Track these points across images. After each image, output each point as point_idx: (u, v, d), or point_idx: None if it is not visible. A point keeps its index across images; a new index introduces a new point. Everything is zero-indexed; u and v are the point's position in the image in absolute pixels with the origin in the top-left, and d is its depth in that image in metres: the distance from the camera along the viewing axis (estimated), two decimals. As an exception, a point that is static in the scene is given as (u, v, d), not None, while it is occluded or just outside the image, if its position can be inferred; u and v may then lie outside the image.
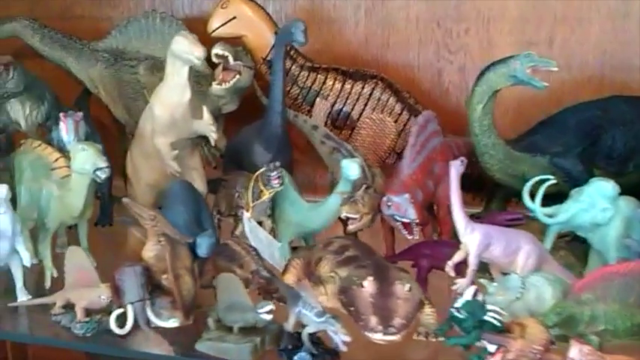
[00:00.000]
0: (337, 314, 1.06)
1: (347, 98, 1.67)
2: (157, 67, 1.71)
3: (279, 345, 1.09)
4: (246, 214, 1.36)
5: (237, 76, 1.62)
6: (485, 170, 1.39)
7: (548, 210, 1.24)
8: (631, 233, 1.22)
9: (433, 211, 1.47)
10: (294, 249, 1.40)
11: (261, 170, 1.35)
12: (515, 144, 1.41)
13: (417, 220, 1.24)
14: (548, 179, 1.25)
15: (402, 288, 1.04)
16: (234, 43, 1.68)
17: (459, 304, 1.01)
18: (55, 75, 1.84)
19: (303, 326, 1.07)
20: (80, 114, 1.45)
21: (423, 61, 1.76)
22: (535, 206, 1.24)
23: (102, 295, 1.15)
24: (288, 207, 1.40)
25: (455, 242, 1.24)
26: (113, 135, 1.83)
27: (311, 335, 1.06)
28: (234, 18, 1.68)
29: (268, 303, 1.09)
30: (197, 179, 1.50)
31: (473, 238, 1.16)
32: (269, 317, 1.08)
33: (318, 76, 1.69)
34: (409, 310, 1.02)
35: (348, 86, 1.67)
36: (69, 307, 1.20)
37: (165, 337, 1.16)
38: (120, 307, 1.15)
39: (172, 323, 1.14)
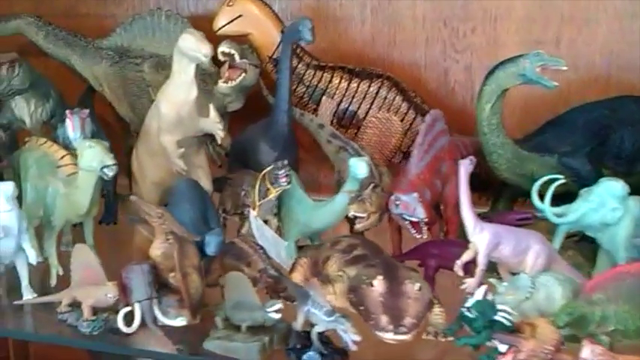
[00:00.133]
0: (346, 313, 1.06)
1: (353, 97, 1.66)
2: (162, 65, 1.70)
3: (288, 344, 1.08)
4: (253, 213, 1.36)
5: (243, 75, 1.61)
6: (493, 170, 1.38)
7: (558, 210, 1.24)
8: (640, 233, 1.22)
9: (439, 210, 1.47)
10: (300, 248, 1.40)
11: (269, 169, 1.35)
12: (524, 143, 1.40)
13: (426, 220, 1.23)
14: (557, 179, 1.25)
15: (413, 287, 1.03)
16: (240, 41, 1.68)
17: (469, 303, 1.00)
18: (58, 73, 1.84)
19: (312, 325, 1.06)
20: (86, 111, 1.44)
21: (430, 60, 1.76)
22: (545, 206, 1.23)
23: (109, 293, 1.14)
24: (295, 206, 1.39)
25: (463, 242, 1.24)
26: (117, 133, 1.82)
27: (320, 334, 1.05)
28: (240, 16, 1.68)
29: (277, 302, 1.09)
30: (203, 177, 1.49)
31: (482, 237, 1.15)
32: (277, 316, 1.07)
33: (325, 74, 1.68)
34: (420, 310, 1.01)
35: (354, 85, 1.67)
36: (75, 305, 1.19)
37: (173, 336, 1.15)
38: (127, 305, 1.14)
39: (180, 322, 1.13)
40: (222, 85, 1.62)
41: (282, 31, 1.64)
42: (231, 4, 1.69)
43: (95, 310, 1.17)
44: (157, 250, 1.15)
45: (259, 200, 1.38)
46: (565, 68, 1.31)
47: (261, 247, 1.25)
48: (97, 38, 1.81)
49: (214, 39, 1.57)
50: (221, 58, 1.60)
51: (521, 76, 1.30)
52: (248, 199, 1.42)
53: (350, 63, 1.72)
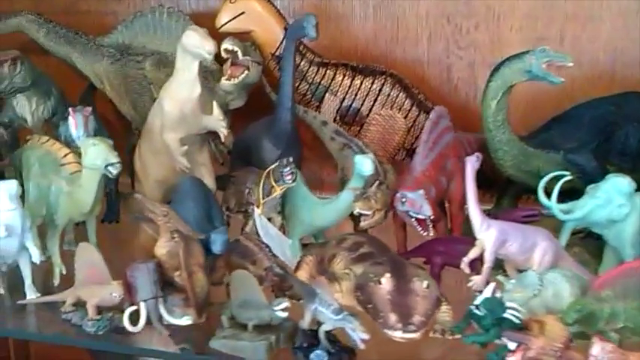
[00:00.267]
0: (353, 311, 1.05)
1: (356, 94, 1.66)
2: (164, 63, 1.69)
3: (294, 343, 1.08)
4: (257, 211, 1.35)
5: (246, 72, 1.60)
6: (499, 166, 1.38)
7: (564, 206, 1.23)
8: (647, 230, 1.21)
9: (444, 207, 1.46)
10: (304, 246, 1.39)
11: (274, 166, 1.34)
12: (529, 140, 1.39)
13: (433, 217, 1.23)
14: (563, 175, 1.24)
15: (421, 285, 1.02)
16: (243, 38, 1.67)
17: (478, 301, 1.00)
18: (59, 70, 1.82)
19: (319, 324, 1.06)
20: (89, 109, 1.43)
21: (433, 57, 1.75)
22: (551, 203, 1.22)
23: (114, 292, 1.13)
24: (299, 203, 1.38)
25: (469, 239, 1.23)
26: (118, 131, 1.81)
27: (327, 333, 1.05)
28: (242, 13, 1.66)
29: (283, 300, 1.08)
30: (206, 175, 1.48)
31: (489, 234, 1.15)
32: (284, 315, 1.06)
33: (328, 71, 1.67)
34: (428, 308, 1.00)
35: (357, 82, 1.66)
36: (79, 304, 1.19)
37: (178, 335, 1.14)
38: (132, 304, 1.13)
39: (185, 321, 1.12)
40: (224, 83, 1.61)
41: (286, 28, 1.63)
42: (233, 1, 1.67)
43: (100, 310, 1.16)
44: (162, 249, 1.14)
45: (263, 198, 1.37)
46: (571, 64, 1.30)
47: (267, 245, 1.24)
48: (98, 36, 1.80)
49: (217, 36, 1.56)
50: (224, 55, 1.59)
51: (528, 72, 1.29)
52: (252, 197, 1.41)
53: (352, 60, 1.71)
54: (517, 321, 1.00)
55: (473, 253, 1.17)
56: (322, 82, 1.68)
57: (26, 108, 1.60)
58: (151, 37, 1.76)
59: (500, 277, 1.13)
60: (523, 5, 1.69)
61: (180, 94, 1.44)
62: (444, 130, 1.42)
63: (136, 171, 1.55)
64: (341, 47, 1.79)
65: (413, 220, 1.25)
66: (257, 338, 1.07)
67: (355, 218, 1.41)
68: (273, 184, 1.35)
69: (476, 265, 1.20)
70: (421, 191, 1.24)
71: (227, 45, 1.58)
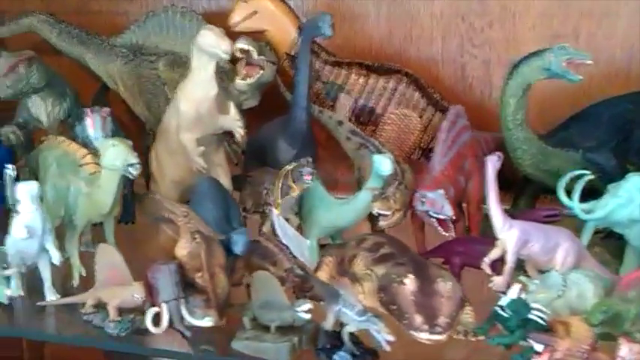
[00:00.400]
0: (376, 313, 1.04)
1: (371, 93, 1.65)
2: (177, 63, 1.69)
3: (317, 344, 1.07)
4: (275, 211, 1.34)
5: (261, 72, 1.59)
6: (517, 165, 1.37)
7: (586, 206, 1.22)
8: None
9: (461, 206, 1.46)
10: (322, 246, 1.38)
11: (292, 166, 1.33)
12: (547, 139, 1.39)
13: (455, 217, 1.22)
14: (584, 174, 1.24)
15: (445, 286, 1.02)
16: (256, 37, 1.66)
17: (502, 302, 0.99)
18: (71, 71, 1.82)
19: (342, 325, 1.05)
20: (107, 109, 1.43)
21: (447, 56, 1.74)
22: (573, 202, 1.21)
23: (135, 293, 1.13)
24: (317, 204, 1.38)
25: (488, 239, 1.22)
26: (132, 132, 1.80)
27: (351, 334, 1.04)
28: (255, 12, 1.66)
29: (306, 301, 1.07)
30: (222, 176, 1.48)
31: (511, 235, 1.14)
32: (308, 316, 1.06)
33: (342, 71, 1.66)
34: (453, 309, 1.00)
35: (372, 81, 1.65)
36: (100, 306, 1.18)
37: (199, 337, 1.13)
38: (153, 305, 1.13)
39: (207, 322, 1.11)
40: (239, 82, 1.60)
41: (300, 27, 1.63)
42: (246, 0, 1.67)
43: (120, 311, 1.16)
44: (183, 250, 1.14)
45: (281, 198, 1.36)
46: (590, 62, 1.30)
47: (287, 246, 1.23)
48: (110, 36, 1.79)
49: (230, 36, 1.55)
50: (238, 54, 1.58)
51: (547, 70, 1.28)
52: (269, 198, 1.40)
53: (366, 59, 1.70)
54: (542, 322, 0.99)
55: (494, 254, 1.16)
56: (337, 81, 1.67)
57: (42, 109, 1.60)
58: (164, 37, 1.75)
59: (522, 278, 1.12)
60: (538, 3, 1.67)
61: (196, 94, 1.43)
62: (461, 130, 1.41)
63: (152, 171, 1.55)
64: (355, 46, 1.78)
65: (433, 220, 1.24)
66: (280, 339, 1.07)
67: (372, 218, 1.41)
68: (291, 184, 1.34)
69: (496, 265, 1.20)
70: (441, 191, 1.24)
71: (241, 44, 1.57)
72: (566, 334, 0.96)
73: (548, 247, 1.15)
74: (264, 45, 1.65)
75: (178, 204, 1.24)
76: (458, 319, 1.04)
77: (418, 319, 0.98)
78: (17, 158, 1.54)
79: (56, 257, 1.23)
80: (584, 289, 1.08)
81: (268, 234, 1.34)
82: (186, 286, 1.14)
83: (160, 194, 1.46)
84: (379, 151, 1.47)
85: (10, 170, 1.24)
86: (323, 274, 1.18)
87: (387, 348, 1.01)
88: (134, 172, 1.23)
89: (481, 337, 1.05)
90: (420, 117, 1.64)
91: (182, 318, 1.12)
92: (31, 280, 1.27)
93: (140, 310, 1.15)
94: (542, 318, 0.99)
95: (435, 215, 1.24)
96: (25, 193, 1.17)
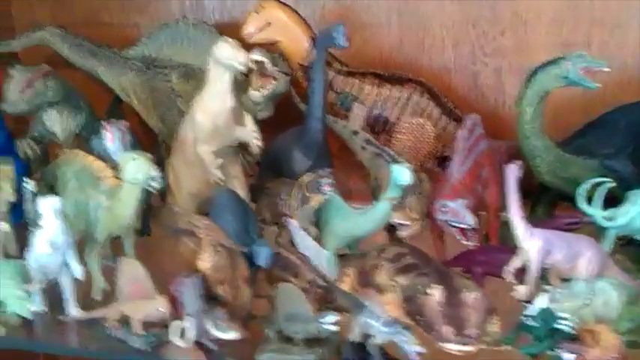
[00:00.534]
0: (401, 323, 1.04)
1: (385, 103, 1.65)
2: (191, 75, 1.69)
3: (343, 356, 1.07)
4: (294, 223, 1.34)
5: (275, 83, 1.60)
6: (536, 173, 1.37)
7: (606, 213, 1.22)
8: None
9: (478, 215, 1.46)
10: (340, 256, 1.38)
11: (310, 176, 1.34)
12: (564, 146, 1.39)
13: (476, 226, 1.22)
14: (604, 182, 1.24)
15: (471, 296, 1.02)
16: (269, 49, 1.66)
17: (531, 311, 0.99)
18: (82, 84, 1.80)
19: (368, 337, 1.05)
20: (126, 122, 1.43)
21: (459, 64, 1.74)
22: (594, 210, 1.22)
23: (160, 307, 1.13)
24: (335, 214, 1.37)
25: (509, 247, 1.23)
26: (145, 144, 1.80)
27: (377, 346, 1.04)
28: (269, 23, 1.67)
29: (331, 313, 1.07)
30: (239, 188, 1.48)
31: (534, 244, 1.14)
32: (335, 328, 1.05)
33: (355, 80, 1.67)
34: (481, 319, 1.00)
35: (385, 91, 1.65)
36: (122, 319, 1.18)
37: (222, 350, 1.13)
38: (178, 318, 1.13)
39: (231, 335, 1.11)
40: (253, 94, 1.61)
41: (313, 38, 1.63)
42: (258, 11, 1.67)
43: (145, 325, 1.15)
44: (206, 263, 1.14)
45: (298, 209, 1.36)
46: (607, 69, 1.30)
47: (307, 257, 1.23)
48: (121, 48, 1.79)
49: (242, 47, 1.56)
50: (252, 66, 1.59)
51: (564, 78, 1.29)
52: (286, 209, 1.40)
53: (377, 68, 1.70)
54: (570, 331, 0.99)
55: (517, 263, 1.16)
56: (350, 91, 1.67)
57: (57, 122, 1.60)
58: (177, 49, 1.75)
59: (548, 287, 1.12)
60: (549, 11, 1.68)
61: (212, 107, 1.44)
62: (478, 138, 1.41)
63: (169, 184, 1.53)
64: (365, 56, 1.77)
65: (455, 229, 1.24)
66: (306, 352, 1.07)
67: (390, 228, 1.41)
68: (309, 194, 1.35)
69: (518, 274, 1.20)
70: (462, 200, 1.24)
71: (255, 56, 1.58)
72: (595, 343, 0.96)
73: (571, 256, 1.15)
74: (278, 56, 1.66)
75: (199, 216, 1.24)
76: (485, 329, 1.03)
77: (448, 330, 0.98)
78: (32, 172, 1.54)
79: (79, 271, 1.22)
80: (610, 297, 1.07)
81: (285, 245, 1.34)
82: (210, 299, 1.14)
83: (176, 206, 1.46)
84: (395, 161, 1.48)
85: (30, 185, 1.24)
86: (345, 285, 1.17)
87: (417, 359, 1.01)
88: (157, 185, 1.23)
89: (509, 347, 1.04)
90: (434, 126, 1.64)
91: (206, 331, 1.12)
92: (52, 295, 1.27)
93: (163, 324, 1.14)
94: (570, 327, 0.99)
95: (456, 225, 1.24)
96: (48, 207, 1.17)
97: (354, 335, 1.05)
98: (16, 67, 1.58)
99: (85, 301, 1.30)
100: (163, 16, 1.90)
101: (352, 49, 1.78)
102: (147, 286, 1.18)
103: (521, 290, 1.15)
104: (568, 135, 1.51)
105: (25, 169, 1.51)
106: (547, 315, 0.99)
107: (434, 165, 1.67)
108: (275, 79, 1.61)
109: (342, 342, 1.08)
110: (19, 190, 1.39)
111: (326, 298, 1.18)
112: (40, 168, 1.55)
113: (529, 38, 1.70)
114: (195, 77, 1.68)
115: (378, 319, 1.02)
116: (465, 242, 1.24)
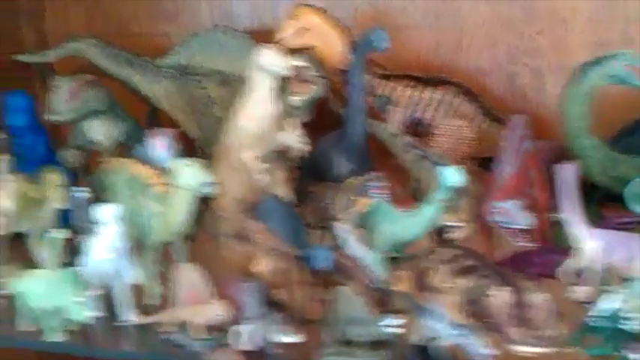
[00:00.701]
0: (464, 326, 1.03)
1: (422, 105, 1.65)
2: (226, 82, 1.70)
3: (406, 359, 1.06)
4: (342, 226, 1.34)
5: (314, 87, 1.60)
6: (586, 174, 1.35)
7: (658, 212, 1.21)
8: None
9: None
10: (389, 260, 1.37)
11: (359, 180, 1.33)
12: (613, 145, 1.38)
13: (532, 226, 1.21)
14: (655, 180, 1.23)
15: (537, 297, 1.01)
16: (305, 53, 1.66)
17: (595, 312, 0.98)
18: (115, 95, 1.83)
19: (429, 339, 1.04)
20: (173, 130, 1.44)
21: (496, 65, 1.73)
22: (645, 209, 1.20)
23: (218, 311, 1.13)
24: (382, 217, 1.36)
25: (563, 249, 1.22)
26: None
27: (440, 348, 1.03)
28: (306, 29, 1.67)
29: (392, 316, 1.06)
30: (284, 192, 1.47)
31: (594, 244, 1.13)
32: (398, 330, 1.05)
33: (393, 83, 1.67)
34: (549, 320, 0.99)
35: (422, 93, 1.65)
36: (179, 324, 1.18)
37: (282, 354, 1.13)
38: (236, 323, 1.13)
39: (290, 338, 1.11)
40: (294, 99, 1.61)
41: (351, 42, 1.63)
42: (294, 17, 1.68)
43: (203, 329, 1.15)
44: (262, 267, 1.14)
45: (345, 212, 1.36)
46: (654, 68, 1.30)
47: (360, 261, 1.23)
48: (152, 57, 1.79)
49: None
50: (292, 71, 1.60)
51: (612, 77, 1.28)
52: (332, 213, 1.40)
53: (414, 71, 1.70)
54: (635, 331, 0.98)
55: (575, 264, 1.15)
56: (387, 94, 1.67)
57: (100, 131, 1.61)
58: (209, 56, 1.76)
59: (609, 287, 1.11)
60: (587, 9, 1.67)
61: (256, 112, 1.45)
62: (523, 139, 1.40)
63: (213, 189, 1.55)
64: (401, 58, 1.77)
65: (509, 230, 1.23)
66: (369, 355, 1.06)
67: (437, 230, 1.40)
68: (357, 197, 1.34)
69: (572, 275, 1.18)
70: (515, 201, 1.23)
71: (296, 61, 1.58)
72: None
73: (629, 256, 1.14)
74: (316, 61, 1.66)
75: (251, 221, 1.24)
76: (553, 330, 1.02)
77: (518, 332, 0.97)
78: (78, 181, 1.55)
79: (135, 277, 1.23)
80: (671, 296, 1.06)
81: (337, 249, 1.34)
82: (267, 303, 1.14)
83: (221, 211, 1.47)
84: (439, 163, 1.47)
85: (84, 193, 1.25)
86: (401, 288, 1.17)
87: (487, 362, 1.00)
88: (210, 190, 1.22)
89: (575, 348, 1.03)
90: (474, 127, 1.64)
91: (265, 335, 1.12)
92: (108, 300, 1.27)
93: (220, 328, 1.15)
94: (635, 327, 0.98)
95: (509, 226, 1.23)
96: (108, 214, 1.18)
97: (417, 338, 1.05)
98: (60, 77, 1.59)
99: (140, 306, 1.30)
100: (192, 24, 1.91)
101: (388, 52, 1.80)
102: (203, 290, 1.18)
103: (580, 291, 1.14)
104: (609, 134, 1.50)
105: (72, 178, 1.50)
106: (612, 316, 0.98)
107: (474, 165, 1.68)
108: (314, 83, 1.62)
109: (405, 345, 1.07)
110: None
111: (383, 301, 1.18)
112: (85, 177, 1.56)
113: (567, 38, 1.68)
114: (230, 84, 1.69)
115: (442, 321, 1.02)
116: (520, 244, 1.23)
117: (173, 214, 1.27)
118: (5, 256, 1.39)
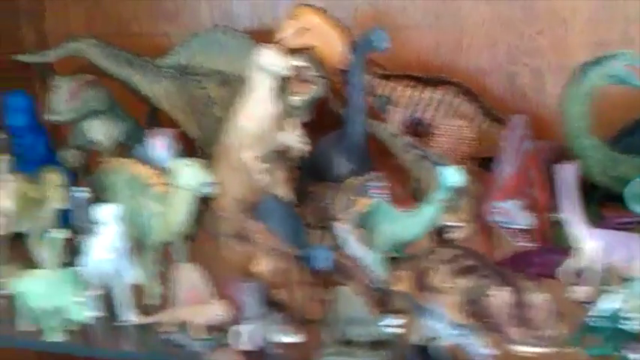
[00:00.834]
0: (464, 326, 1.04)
1: (422, 105, 1.65)
2: (226, 82, 1.70)
3: (406, 359, 1.06)
4: (342, 226, 1.34)
5: (314, 88, 1.60)
6: (586, 174, 1.35)
7: (658, 212, 1.21)
8: None
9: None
10: (389, 260, 1.38)
11: (359, 180, 1.33)
12: (613, 145, 1.38)
13: (532, 226, 1.21)
14: (655, 180, 1.23)
15: (537, 297, 1.01)
16: (304, 53, 1.66)
17: (595, 312, 0.98)
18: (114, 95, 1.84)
19: (429, 339, 1.04)
20: (173, 130, 1.44)
21: (496, 65, 1.74)
22: (644, 208, 1.20)
23: (218, 312, 1.13)
24: (382, 217, 1.36)
25: (563, 248, 1.22)
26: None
27: (439, 348, 1.03)
28: (306, 29, 1.67)
29: (391, 316, 1.06)
30: (284, 192, 1.47)
31: (594, 244, 1.13)
32: (398, 330, 1.05)
33: (392, 83, 1.67)
34: (549, 320, 0.99)
35: (422, 93, 1.65)
36: (179, 324, 1.18)
37: (282, 353, 1.13)
38: (236, 323, 1.13)
39: (289, 338, 1.11)
40: (293, 99, 1.62)
41: (351, 41, 1.64)
42: (294, 17, 1.68)
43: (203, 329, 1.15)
44: (262, 267, 1.14)
45: (344, 213, 1.36)
46: (654, 68, 1.30)
47: (360, 261, 1.23)
48: (151, 57, 1.79)
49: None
50: (292, 71, 1.60)
51: (612, 77, 1.28)
52: (332, 213, 1.40)
53: (413, 71, 1.70)
54: (635, 331, 0.98)
55: (575, 263, 1.15)
56: (387, 94, 1.68)
57: (100, 131, 1.61)
58: (209, 56, 1.76)
59: (608, 287, 1.11)
60: (586, 10, 1.67)
61: (256, 112, 1.45)
62: (523, 139, 1.41)
63: (212, 189, 1.55)
64: (401, 58, 1.77)
65: (508, 230, 1.23)
66: (369, 355, 1.06)
67: (437, 230, 1.40)
68: (357, 197, 1.34)
69: (572, 275, 1.19)
70: (514, 201, 1.23)
71: (296, 61, 1.59)
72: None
73: (629, 256, 1.14)
74: (316, 61, 1.66)
75: (251, 221, 1.24)
76: (553, 330, 1.02)
77: (518, 332, 0.97)
78: (78, 181, 1.55)
79: (134, 277, 1.23)
80: (672, 296, 1.06)
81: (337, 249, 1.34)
82: (267, 303, 1.14)
83: (221, 211, 1.47)
84: (439, 163, 1.47)
85: (84, 193, 1.25)
86: (401, 288, 1.17)
87: (486, 362, 1.00)
88: (210, 190, 1.23)
89: (575, 348, 1.03)
90: (474, 127, 1.64)
91: (265, 335, 1.12)
92: (107, 300, 1.27)
93: (220, 328, 1.15)
94: (634, 327, 0.98)
95: (509, 226, 1.23)
96: (109, 214, 1.18)
97: (417, 338, 1.05)
98: (60, 77, 1.59)
99: (139, 306, 1.30)
100: (192, 24, 1.92)
101: (388, 52, 1.80)
102: (203, 291, 1.18)
103: (580, 291, 1.14)
104: (609, 134, 1.50)
105: (72, 178, 1.50)
106: (612, 316, 0.98)
107: (474, 165, 1.68)
108: (314, 83, 1.62)
109: (405, 345, 1.08)
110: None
111: (383, 301, 1.18)
112: (85, 177, 1.56)
113: (567, 38, 1.69)
114: (230, 84, 1.69)
115: (442, 321, 1.02)
116: (519, 244, 1.23)
117: (173, 214, 1.27)
118: (5, 256, 1.39)
